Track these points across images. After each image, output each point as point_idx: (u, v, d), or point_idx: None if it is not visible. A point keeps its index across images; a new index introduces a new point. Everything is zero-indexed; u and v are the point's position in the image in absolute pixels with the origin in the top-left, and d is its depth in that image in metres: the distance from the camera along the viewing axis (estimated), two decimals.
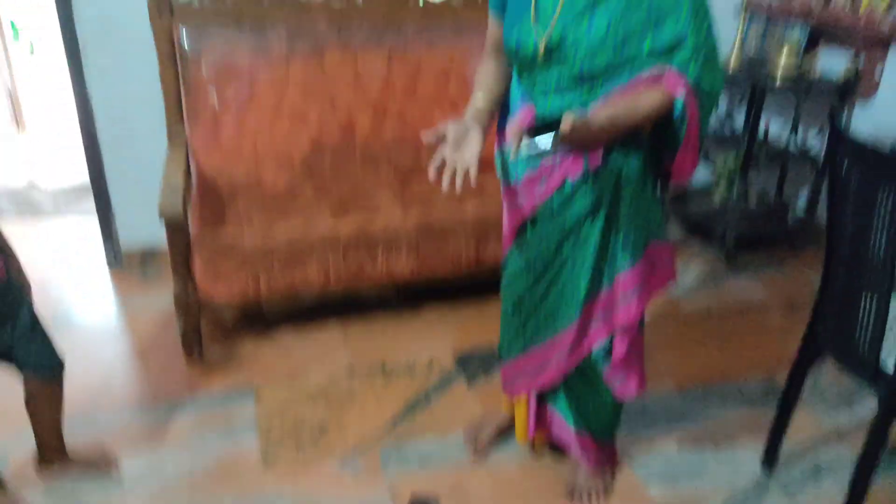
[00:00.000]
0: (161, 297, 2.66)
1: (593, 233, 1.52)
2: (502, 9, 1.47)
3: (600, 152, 1.44)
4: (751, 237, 3.12)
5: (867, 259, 1.54)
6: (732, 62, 2.96)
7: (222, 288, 2.24)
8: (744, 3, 2.92)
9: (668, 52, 1.33)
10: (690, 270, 3.01)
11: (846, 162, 1.54)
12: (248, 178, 2.59)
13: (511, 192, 1.58)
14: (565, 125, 1.23)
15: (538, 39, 1.36)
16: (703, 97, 1.35)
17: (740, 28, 2.97)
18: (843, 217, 1.59)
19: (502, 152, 1.59)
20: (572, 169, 1.47)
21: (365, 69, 2.69)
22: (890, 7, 2.73)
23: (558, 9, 1.33)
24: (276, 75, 2.58)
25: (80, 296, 2.75)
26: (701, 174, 3.41)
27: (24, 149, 4.32)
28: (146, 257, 2.93)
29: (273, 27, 2.56)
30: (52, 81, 5.00)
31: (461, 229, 2.41)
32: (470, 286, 2.59)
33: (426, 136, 1.38)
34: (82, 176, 3.45)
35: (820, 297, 1.73)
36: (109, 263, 2.94)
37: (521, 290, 1.65)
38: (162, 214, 2.03)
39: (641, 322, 1.66)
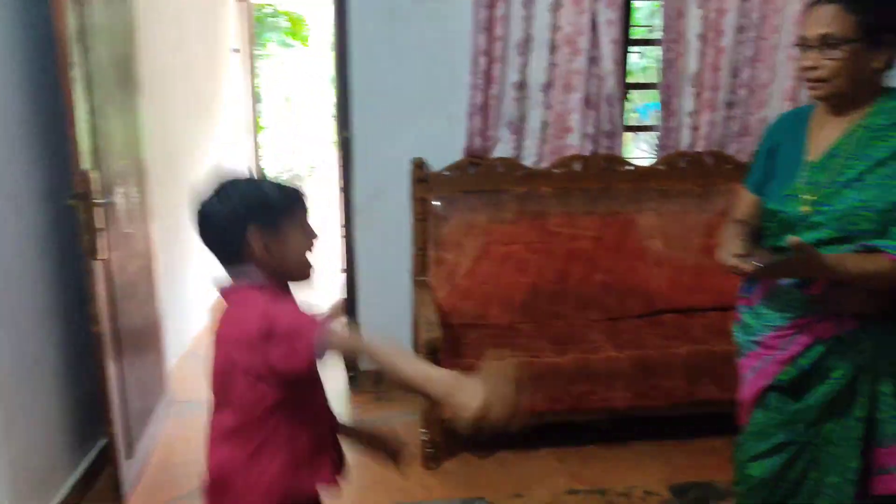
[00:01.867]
0: (394, 415, 3.09)
1: (856, 409, 1.50)
2: (761, 185, 1.67)
3: (852, 322, 1.48)
4: None
5: None
6: None
7: None
8: None
9: None
10: None
11: None
12: (477, 316, 3.04)
13: (751, 358, 1.63)
14: (792, 241, 1.34)
15: (803, 205, 1.51)
16: None
17: None
18: None
19: (743, 320, 1.67)
20: (824, 331, 1.49)
21: (580, 228, 3.12)
22: None
23: (823, 182, 1.50)
24: (506, 233, 3.08)
25: None
26: None
27: None
28: (379, 377, 3.39)
29: (506, 193, 3.10)
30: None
31: (674, 368, 2.66)
32: (681, 421, 2.78)
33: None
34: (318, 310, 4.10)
35: None
36: (349, 385, 3.43)
37: (766, 474, 1.58)
38: (426, 344, 2.48)
39: None
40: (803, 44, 1.49)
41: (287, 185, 1.34)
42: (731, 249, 1.53)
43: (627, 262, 3.14)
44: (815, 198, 1.51)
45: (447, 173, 3.11)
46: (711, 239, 2.84)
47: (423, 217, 3.10)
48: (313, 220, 1.37)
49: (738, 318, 1.72)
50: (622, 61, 3.13)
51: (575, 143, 3.14)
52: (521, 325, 3.01)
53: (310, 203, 1.36)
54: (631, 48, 3.37)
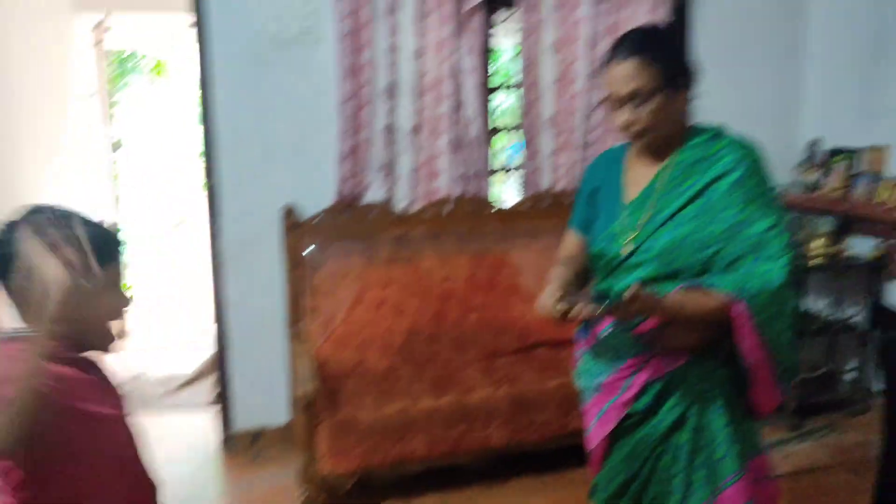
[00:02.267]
0: (271, 476, 2.97)
1: (683, 443, 1.53)
2: (586, 226, 1.68)
3: (682, 356, 1.51)
4: (809, 405, 3.35)
5: None
6: None
7: (342, 461, 2.55)
8: None
9: (738, 263, 1.45)
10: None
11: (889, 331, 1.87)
12: (355, 363, 2.99)
13: (594, 404, 1.63)
14: (629, 291, 1.33)
15: (624, 245, 1.55)
16: (761, 317, 1.42)
17: None
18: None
19: (582, 364, 1.69)
20: (658, 369, 1.52)
21: (453, 268, 3.18)
22: None
23: (641, 221, 1.54)
24: (381, 277, 3.08)
25: (190, 477, 3.02)
26: None
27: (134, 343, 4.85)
28: (255, 438, 3.25)
29: (379, 237, 3.11)
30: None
31: (547, 402, 2.73)
32: (558, 453, 2.85)
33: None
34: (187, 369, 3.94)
35: (885, 461, 1.97)
36: (222, 447, 3.25)
37: None
38: (300, 399, 2.41)
39: None
40: (616, 101, 1.50)
41: (106, 229, 1.14)
42: (552, 294, 1.47)
43: (500, 299, 3.22)
44: (634, 237, 1.54)
45: (319, 219, 3.07)
46: None
47: (295, 265, 3.04)
48: (133, 279, 1.20)
49: (577, 364, 1.73)
50: (485, 105, 3.25)
51: (445, 186, 3.20)
52: (400, 369, 2.99)
53: (124, 258, 1.17)
54: (496, 92, 3.51)
